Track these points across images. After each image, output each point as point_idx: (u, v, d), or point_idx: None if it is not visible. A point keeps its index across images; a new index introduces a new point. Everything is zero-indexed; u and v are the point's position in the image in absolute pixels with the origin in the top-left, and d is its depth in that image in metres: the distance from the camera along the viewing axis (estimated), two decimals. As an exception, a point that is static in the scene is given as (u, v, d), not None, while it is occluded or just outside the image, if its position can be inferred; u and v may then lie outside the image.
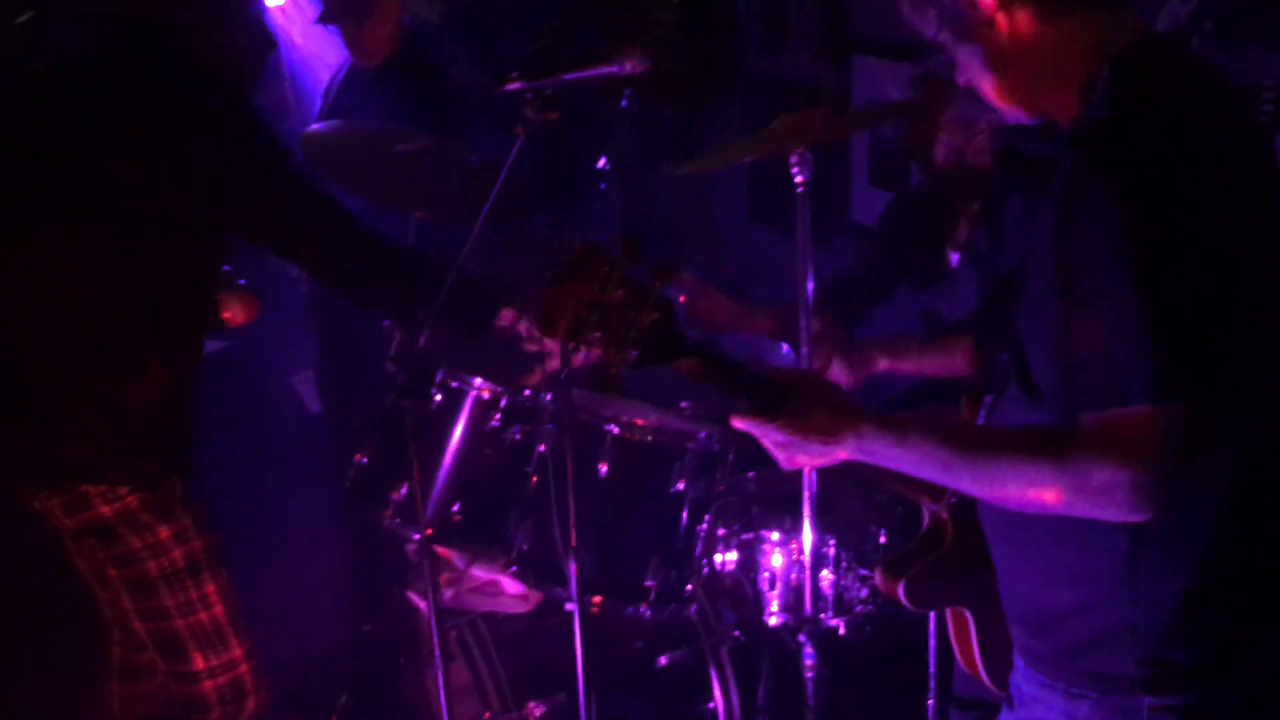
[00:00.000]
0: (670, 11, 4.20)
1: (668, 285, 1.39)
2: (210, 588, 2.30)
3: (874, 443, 1.42)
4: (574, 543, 2.21)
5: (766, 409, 1.43)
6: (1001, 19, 1.38)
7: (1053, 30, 1.38)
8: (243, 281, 2.69)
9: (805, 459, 1.48)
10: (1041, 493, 1.32)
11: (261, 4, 2.28)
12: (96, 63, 2.20)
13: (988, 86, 1.45)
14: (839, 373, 2.45)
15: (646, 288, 1.30)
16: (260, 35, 2.28)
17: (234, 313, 2.65)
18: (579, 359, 2.20)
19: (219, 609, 2.31)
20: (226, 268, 2.64)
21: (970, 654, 2.19)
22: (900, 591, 2.15)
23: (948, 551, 2.15)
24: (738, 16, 4.27)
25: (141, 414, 2.21)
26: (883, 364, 2.59)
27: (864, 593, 2.54)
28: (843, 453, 1.45)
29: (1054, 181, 1.30)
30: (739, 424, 1.45)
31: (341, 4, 3.42)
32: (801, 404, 1.43)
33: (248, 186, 2.15)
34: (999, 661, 2.16)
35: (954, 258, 2.81)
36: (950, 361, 2.63)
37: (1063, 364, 1.31)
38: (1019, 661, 1.58)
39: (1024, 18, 1.38)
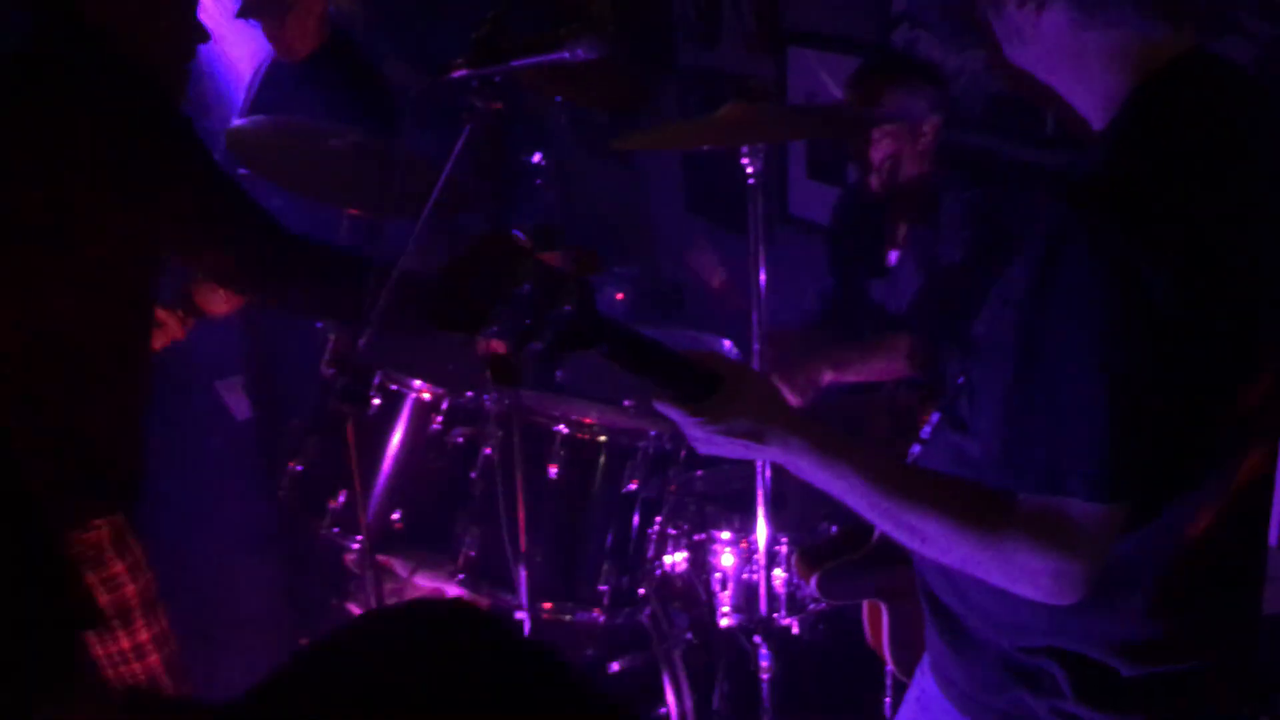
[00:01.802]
0: (604, 4, 4.14)
1: (587, 273, 1.32)
2: (144, 635, 2.15)
3: (801, 458, 1.33)
4: (523, 548, 2.14)
5: (691, 397, 1.35)
6: (1031, 9, 1.26)
7: (1083, 38, 1.25)
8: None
9: (724, 453, 1.40)
10: (963, 559, 1.27)
11: (194, 10, 2.13)
12: (10, 59, 2.03)
13: (999, 55, 1.36)
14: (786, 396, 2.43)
15: (558, 277, 1.22)
16: (191, 26, 2.13)
17: (213, 302, 2.49)
18: (482, 349, 2.12)
19: (154, 658, 2.16)
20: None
21: (879, 639, 2.21)
22: (814, 583, 2.15)
23: (870, 550, 2.14)
24: (671, 8, 4.22)
25: (66, 450, 2.04)
26: (828, 377, 2.57)
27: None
28: (765, 456, 1.38)
29: (1040, 221, 1.21)
30: (661, 408, 1.38)
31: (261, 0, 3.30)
32: (730, 399, 1.34)
33: (171, 188, 2.01)
34: (909, 650, 2.17)
35: (892, 256, 2.80)
36: (893, 364, 2.62)
37: (1008, 425, 1.25)
38: (930, 678, 1.54)
39: (1055, 17, 1.25)
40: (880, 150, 2.63)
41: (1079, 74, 1.28)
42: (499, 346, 1.98)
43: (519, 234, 1.73)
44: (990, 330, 1.35)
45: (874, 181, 2.67)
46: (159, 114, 2.00)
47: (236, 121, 2.87)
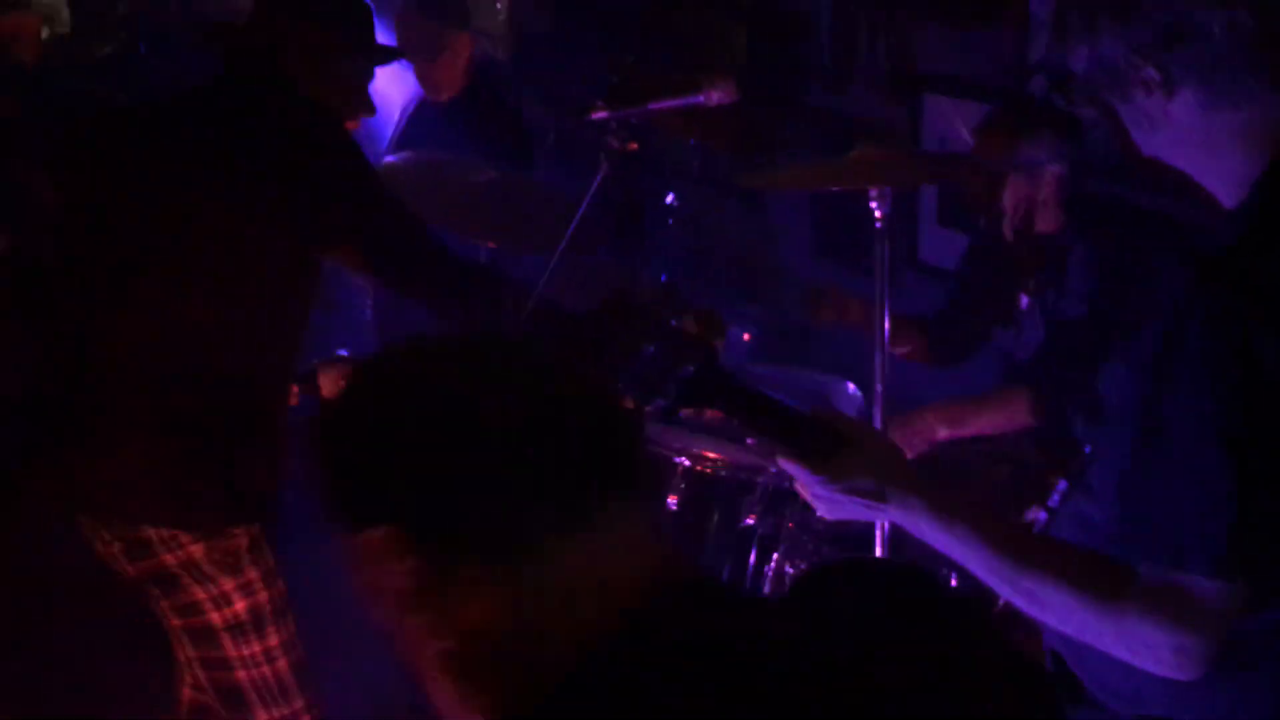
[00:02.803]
0: (739, 48, 4.21)
1: (711, 336, 1.38)
2: (275, 640, 2.27)
3: (920, 519, 1.35)
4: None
5: (815, 457, 1.38)
6: (1160, 95, 1.25)
7: (1213, 120, 1.24)
8: (345, 353, 2.68)
9: (845, 515, 1.43)
10: (1082, 628, 1.27)
11: (370, 70, 2.37)
12: (207, 94, 2.26)
13: (1126, 140, 1.36)
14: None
15: (682, 339, 1.28)
16: (360, 99, 2.34)
17: (329, 386, 2.66)
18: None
19: (282, 663, 2.28)
20: (344, 351, 2.65)
21: None
22: None
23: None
24: (805, 50, 4.26)
25: (212, 458, 2.19)
26: (942, 434, 2.56)
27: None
28: (885, 517, 1.40)
29: (1167, 289, 1.21)
30: (785, 465, 1.41)
31: (415, 40, 3.48)
32: (852, 458, 1.37)
33: (345, 209, 2.18)
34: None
35: (1024, 300, 2.78)
36: (1012, 417, 2.60)
37: (1130, 495, 1.25)
38: None
39: (1185, 101, 1.24)
40: (1008, 197, 2.63)
41: (1210, 156, 1.27)
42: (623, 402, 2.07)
43: (647, 291, 1.80)
44: (1113, 394, 1.35)
45: (1003, 228, 2.66)
46: (332, 137, 2.18)
47: (389, 158, 3.03)
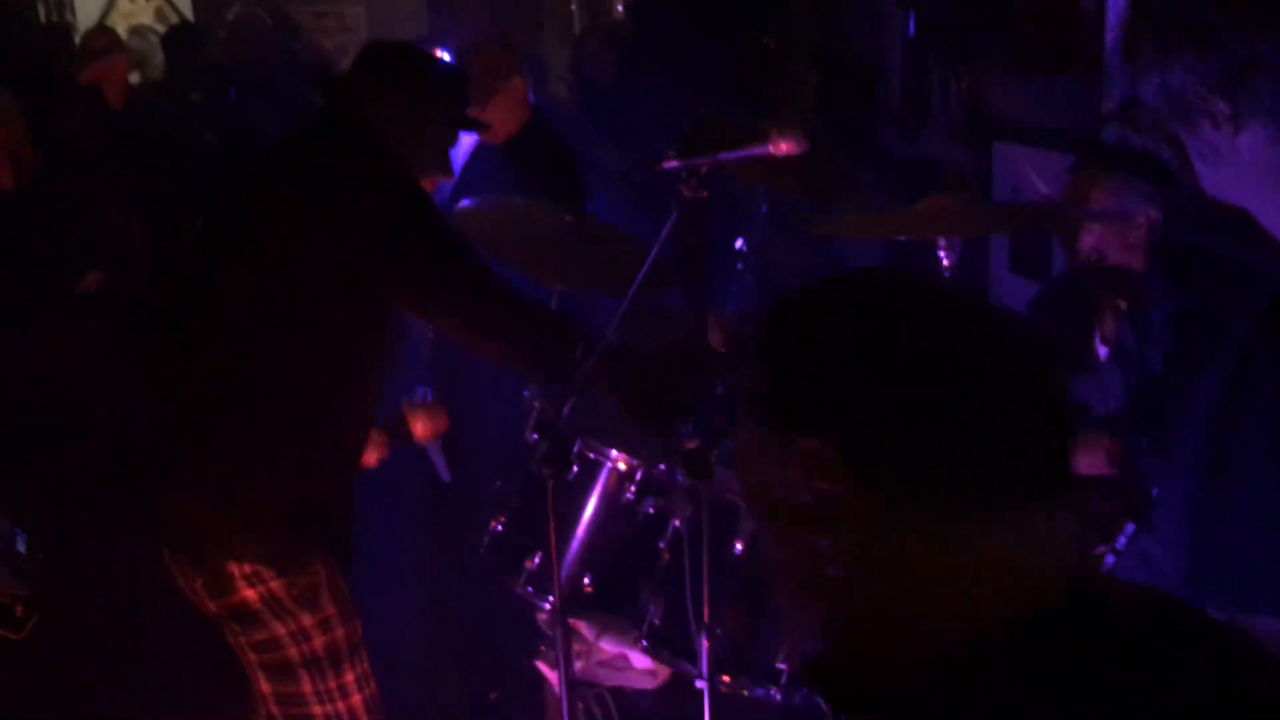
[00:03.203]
0: (810, 95, 4.25)
1: None
2: (350, 676, 2.31)
3: None
4: (707, 619, 2.20)
5: None
6: (1228, 129, 1.29)
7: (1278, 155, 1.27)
8: (426, 393, 2.73)
9: None
10: None
11: (454, 136, 2.48)
12: (295, 144, 2.36)
13: (1190, 175, 1.36)
14: None
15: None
16: (441, 161, 2.44)
17: (420, 428, 2.72)
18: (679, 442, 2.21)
19: (356, 698, 2.32)
20: (421, 390, 2.72)
21: None
22: None
23: None
24: (877, 96, 4.29)
25: (295, 494, 2.24)
26: None
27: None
28: None
29: (1233, 339, 1.21)
30: None
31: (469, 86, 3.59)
32: None
33: (418, 256, 2.24)
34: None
35: (1102, 351, 2.75)
36: (1092, 463, 2.57)
37: (1196, 538, 1.24)
38: None
39: (1253, 136, 1.31)
40: (1089, 241, 2.61)
41: (1275, 190, 1.27)
42: (693, 443, 2.09)
43: (716, 328, 1.83)
44: (1185, 439, 1.35)
45: (1083, 274, 2.64)
46: (408, 194, 2.26)
47: (465, 202, 3.09)
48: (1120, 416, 2.63)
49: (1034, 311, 3.02)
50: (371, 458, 2.61)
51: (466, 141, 4.01)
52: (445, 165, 2.47)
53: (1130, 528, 1.54)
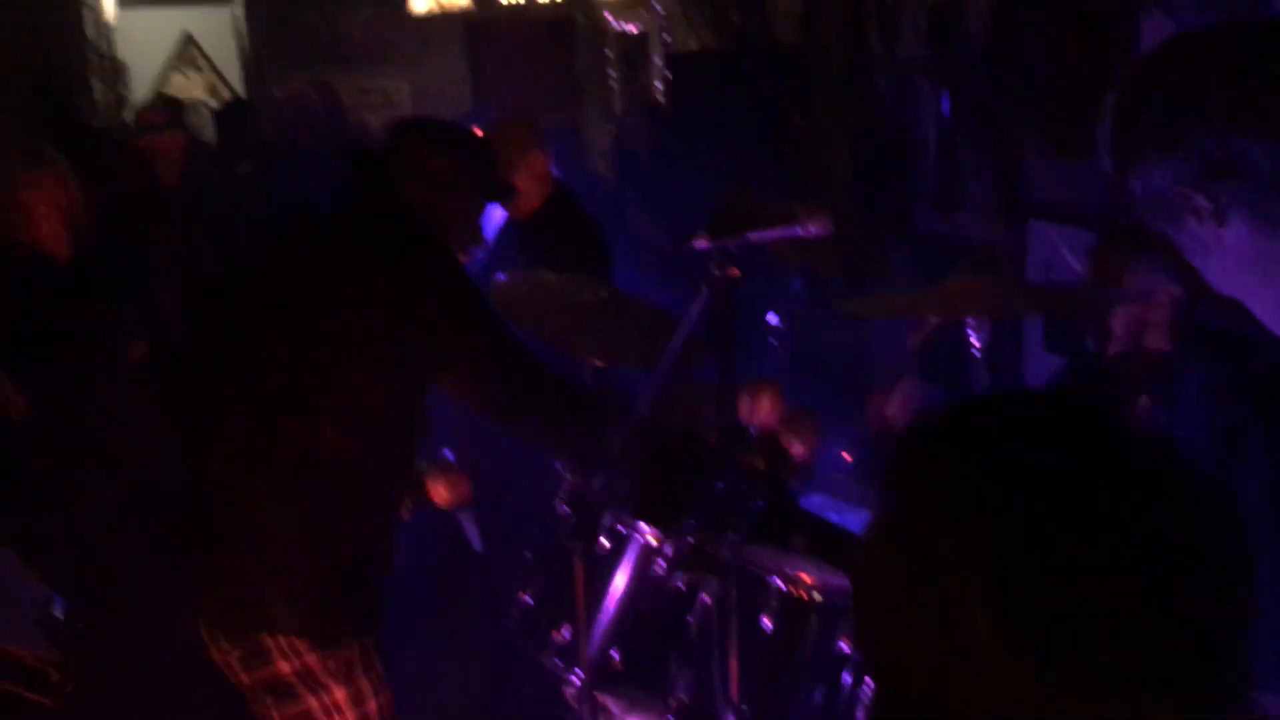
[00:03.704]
0: (846, 171, 4.30)
1: (782, 473, 1.39)
2: None
3: None
4: (735, 697, 2.19)
5: None
6: (1212, 223, 1.27)
7: (1265, 248, 1.25)
8: (450, 455, 2.76)
9: None
10: None
11: (484, 204, 2.57)
12: (331, 220, 2.43)
13: (1189, 270, 1.37)
14: None
15: (750, 474, 1.30)
16: (473, 230, 2.53)
17: (440, 492, 2.75)
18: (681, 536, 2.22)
19: None
20: (445, 451, 2.75)
21: None
22: None
23: None
24: (912, 176, 4.33)
25: (331, 567, 2.27)
26: None
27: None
28: None
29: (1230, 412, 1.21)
30: None
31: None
32: None
33: (455, 334, 2.28)
34: None
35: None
36: None
37: None
38: None
39: (1238, 227, 1.25)
40: (1120, 319, 2.61)
41: (1263, 283, 1.28)
42: (694, 537, 2.10)
43: (716, 428, 1.85)
44: None
45: (1112, 351, 2.64)
46: (442, 266, 2.31)
47: (500, 276, 3.14)
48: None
49: (1058, 385, 3.01)
50: None
51: (493, 216, 4.09)
52: (478, 234, 2.53)
53: None
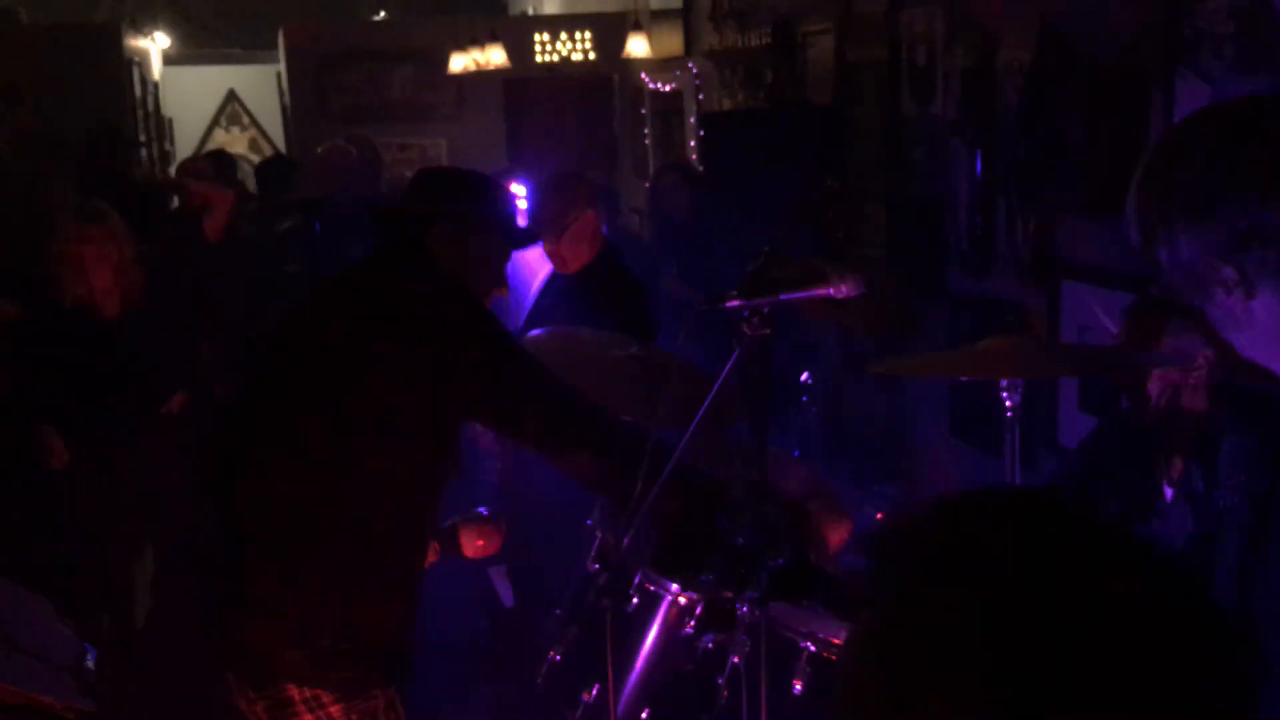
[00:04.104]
0: (879, 231, 4.31)
1: (801, 528, 1.39)
2: None
3: None
4: (764, 760, 2.16)
5: None
6: (1240, 295, 1.26)
7: None
8: (485, 511, 2.78)
9: None
10: None
11: (508, 251, 2.59)
12: (361, 272, 2.45)
13: (1218, 342, 1.37)
14: None
15: (771, 531, 1.30)
16: (497, 276, 2.55)
17: (474, 545, 2.76)
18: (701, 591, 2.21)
19: None
20: (483, 509, 2.77)
21: None
22: None
23: None
24: (945, 239, 4.33)
25: (358, 620, 2.28)
26: None
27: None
28: None
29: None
30: None
31: (544, 217, 3.72)
32: None
33: (479, 375, 2.30)
34: None
35: (1168, 492, 2.71)
36: None
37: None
38: None
39: (1266, 300, 1.24)
40: (1156, 382, 2.59)
41: None
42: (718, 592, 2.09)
43: (738, 484, 1.86)
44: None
45: (1147, 413, 2.62)
46: (466, 310, 2.35)
47: (532, 333, 3.17)
48: (1190, 554, 2.57)
49: (1090, 452, 2.99)
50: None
51: (540, 272, 4.13)
52: (502, 279, 2.56)
53: None
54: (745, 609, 2.42)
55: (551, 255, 3.80)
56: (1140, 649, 0.71)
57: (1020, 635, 0.71)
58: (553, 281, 3.94)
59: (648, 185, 6.69)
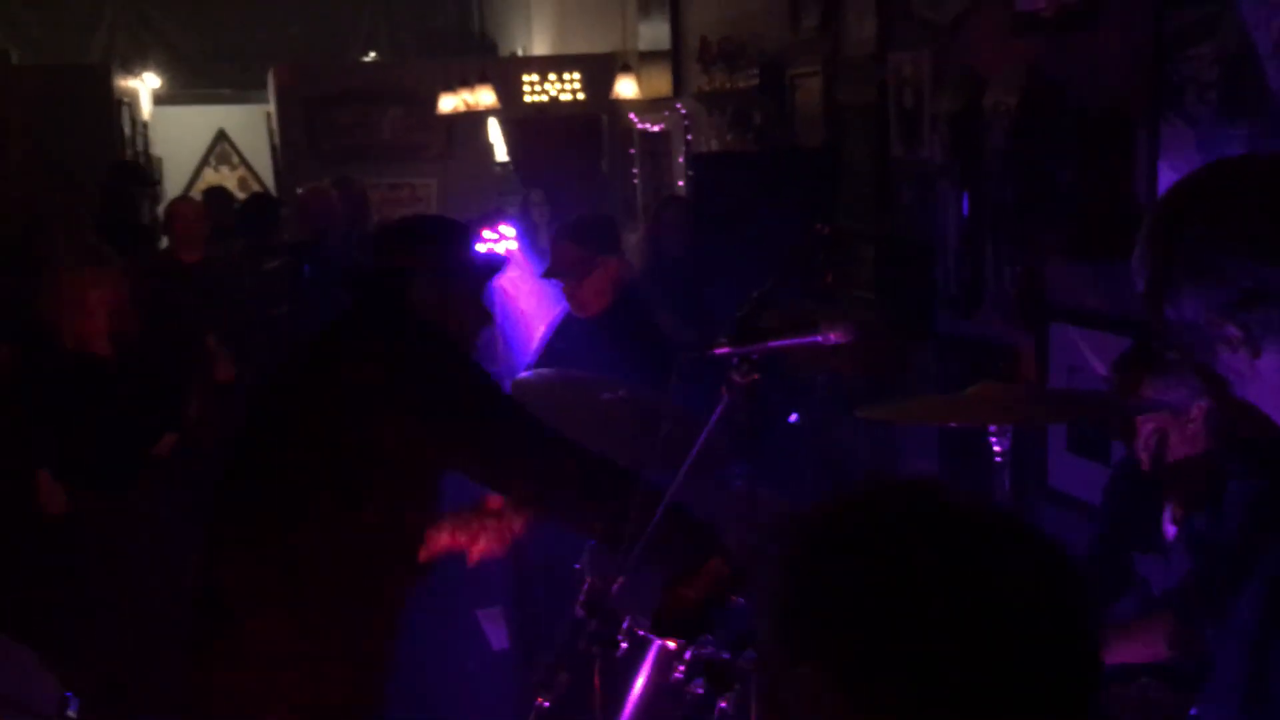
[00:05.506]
0: (868, 274, 4.32)
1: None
2: None
3: None
4: (754, 809, 2.14)
5: None
6: (1245, 352, 1.26)
7: None
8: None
9: None
10: None
11: (483, 285, 2.61)
12: (341, 324, 2.47)
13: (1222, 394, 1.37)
14: None
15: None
16: (477, 311, 2.56)
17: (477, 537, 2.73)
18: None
19: None
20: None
21: None
22: None
23: None
24: (933, 280, 4.35)
25: (331, 671, 2.28)
26: None
27: None
28: None
29: None
30: None
31: (566, 262, 3.70)
32: None
33: (459, 424, 2.29)
34: None
35: (1170, 530, 2.70)
36: (1152, 648, 2.50)
37: (1254, 711, 1.21)
38: None
39: (1271, 357, 1.24)
40: (1144, 429, 2.60)
41: None
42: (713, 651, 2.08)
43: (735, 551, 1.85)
44: (1243, 611, 1.32)
45: (1142, 459, 2.62)
46: (450, 355, 2.35)
47: (523, 374, 3.17)
48: (1183, 591, 2.56)
49: (1106, 502, 2.97)
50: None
51: (550, 312, 4.12)
52: (487, 314, 2.56)
53: (1194, 710, 1.50)
54: (733, 655, 2.40)
55: (570, 298, 3.77)
56: (986, 618, 0.82)
57: (880, 599, 0.83)
58: (568, 323, 3.91)
59: (644, 225, 6.71)
